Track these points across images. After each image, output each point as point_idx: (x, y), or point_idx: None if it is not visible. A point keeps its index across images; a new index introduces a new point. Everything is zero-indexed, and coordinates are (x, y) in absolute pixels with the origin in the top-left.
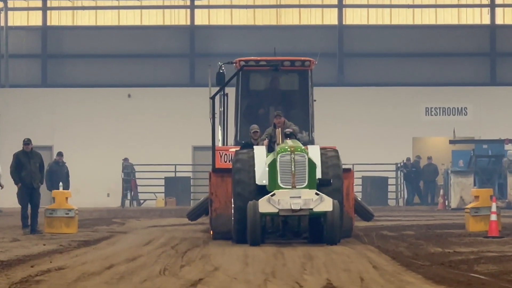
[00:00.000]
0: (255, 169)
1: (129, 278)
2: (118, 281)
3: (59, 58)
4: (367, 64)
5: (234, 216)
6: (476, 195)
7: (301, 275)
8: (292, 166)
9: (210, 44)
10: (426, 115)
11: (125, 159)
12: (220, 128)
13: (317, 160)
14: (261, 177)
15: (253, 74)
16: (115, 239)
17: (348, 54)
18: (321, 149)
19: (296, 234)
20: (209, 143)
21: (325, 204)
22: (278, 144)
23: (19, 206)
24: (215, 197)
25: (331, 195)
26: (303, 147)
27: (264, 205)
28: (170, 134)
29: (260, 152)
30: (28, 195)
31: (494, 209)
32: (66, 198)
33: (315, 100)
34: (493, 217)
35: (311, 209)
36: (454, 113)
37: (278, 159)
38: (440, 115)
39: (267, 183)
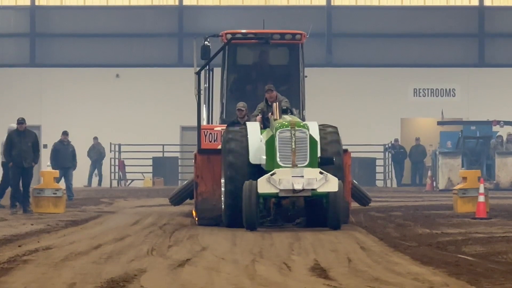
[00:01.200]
0: (249, 147)
1: (116, 258)
2: (106, 260)
3: (47, 38)
4: (355, 45)
5: (225, 197)
6: (464, 176)
7: (289, 256)
8: (293, 143)
9: (199, 24)
10: (414, 96)
11: (95, 138)
12: (204, 106)
13: (316, 137)
14: (256, 155)
15: (240, 48)
16: (103, 219)
17: (336, 35)
18: (319, 125)
19: (288, 219)
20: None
21: (330, 184)
22: (275, 120)
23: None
24: (200, 180)
25: (332, 174)
26: (303, 122)
27: (263, 185)
28: (158, 114)
29: (253, 129)
30: (20, 175)
31: (482, 190)
32: (54, 178)
33: (306, 76)
34: (481, 199)
35: (314, 189)
36: (442, 94)
37: (277, 136)
38: (428, 96)
39: (263, 162)
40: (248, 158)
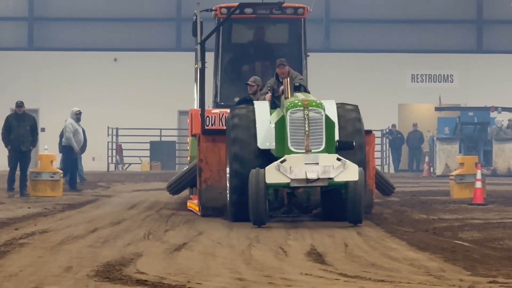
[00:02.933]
0: (257, 130)
1: (113, 242)
2: (102, 244)
3: (45, 21)
4: (354, 30)
5: (230, 192)
6: (461, 162)
7: (285, 241)
8: (306, 125)
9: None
10: (412, 82)
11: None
12: (196, 87)
13: (334, 118)
14: (265, 139)
15: (236, 25)
16: (100, 202)
17: (334, 20)
18: (337, 103)
19: (304, 210)
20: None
21: (349, 172)
22: (286, 98)
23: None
24: (205, 165)
25: (352, 160)
26: (318, 101)
27: (272, 174)
28: (155, 98)
29: (262, 109)
30: (18, 158)
31: (479, 176)
32: (51, 161)
33: (308, 56)
34: (478, 185)
35: (331, 178)
36: (440, 80)
37: (287, 116)
38: (426, 82)
39: (272, 147)
40: (256, 144)
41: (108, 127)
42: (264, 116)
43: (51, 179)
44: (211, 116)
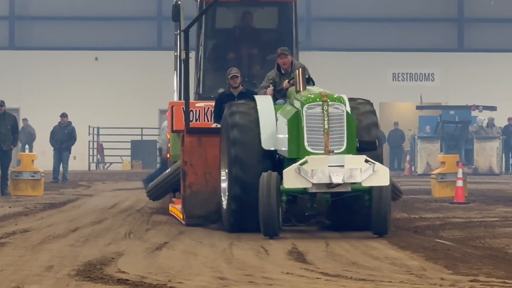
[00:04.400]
0: (261, 129)
1: (94, 241)
2: (83, 243)
3: (26, 20)
4: (335, 29)
5: (230, 200)
6: (442, 161)
7: (267, 240)
8: (325, 122)
9: None
10: (393, 80)
11: (24, 120)
12: (175, 78)
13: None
14: (269, 138)
15: (220, 8)
16: (81, 202)
17: (315, 18)
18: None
19: (302, 219)
20: None
21: (379, 176)
22: (298, 92)
23: None
24: (189, 168)
25: (368, 155)
26: (339, 95)
27: (291, 178)
28: (137, 97)
29: (265, 104)
30: None
31: (460, 175)
32: (32, 160)
33: (299, 42)
34: (459, 183)
35: (354, 183)
36: (421, 79)
37: (304, 112)
38: (407, 80)
39: (279, 147)
40: (259, 146)
41: (89, 126)
42: (268, 112)
43: (32, 178)
44: (195, 110)
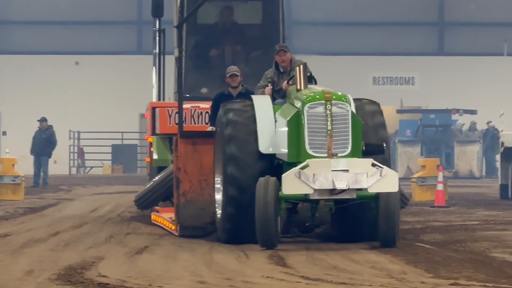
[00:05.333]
0: (258, 131)
1: (74, 245)
2: (64, 248)
3: (6, 25)
4: (315, 33)
5: (225, 205)
6: (422, 165)
7: (248, 244)
8: (328, 123)
9: None
10: (373, 84)
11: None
12: (154, 76)
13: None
14: (268, 141)
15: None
16: (61, 206)
17: (295, 23)
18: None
19: (305, 229)
20: None
21: (388, 181)
22: (299, 90)
23: None
24: (183, 175)
25: (375, 159)
26: (344, 94)
27: (291, 184)
28: (117, 101)
29: (263, 104)
30: None
31: (440, 178)
32: (13, 165)
33: (287, 38)
34: (440, 187)
35: (361, 189)
36: (401, 83)
37: (305, 112)
38: (387, 84)
39: (278, 151)
40: (256, 145)
41: (69, 130)
42: (266, 113)
43: (12, 182)
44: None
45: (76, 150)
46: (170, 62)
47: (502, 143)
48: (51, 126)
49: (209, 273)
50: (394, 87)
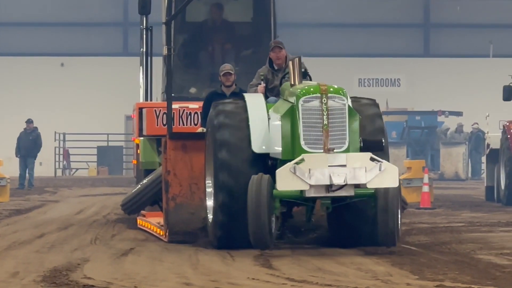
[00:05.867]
0: (251, 130)
1: (60, 247)
2: (49, 250)
3: None
4: (300, 34)
5: (216, 210)
6: (408, 166)
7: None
8: (324, 118)
9: None
10: (359, 86)
11: None
12: (142, 76)
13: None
14: (261, 140)
15: None
16: (47, 208)
17: (281, 25)
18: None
19: (300, 234)
20: None
21: (388, 176)
22: (293, 85)
23: None
24: (173, 178)
25: None
26: (340, 88)
27: (285, 180)
28: (103, 103)
29: (256, 103)
30: None
31: (426, 180)
32: None
33: (278, 36)
34: (425, 189)
35: (359, 185)
36: (387, 84)
37: (299, 106)
38: (373, 86)
39: (272, 151)
40: (249, 149)
41: (55, 132)
42: (259, 112)
43: None
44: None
45: (61, 151)
46: (157, 63)
47: (488, 145)
48: (36, 127)
49: (194, 274)
50: (379, 88)
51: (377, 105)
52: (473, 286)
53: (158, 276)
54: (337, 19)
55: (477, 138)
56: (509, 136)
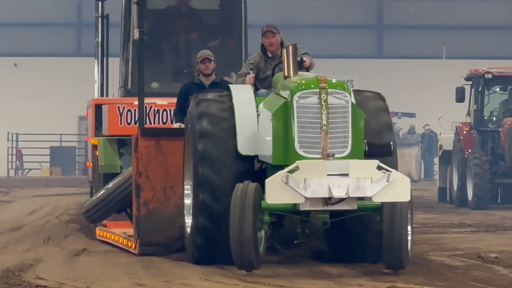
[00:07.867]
0: (237, 127)
1: (12, 248)
2: (2, 250)
3: None
4: (249, 37)
5: (195, 228)
6: None
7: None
8: (323, 117)
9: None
10: None
11: None
12: (97, 69)
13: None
14: (248, 141)
15: None
16: None
17: None
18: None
19: (290, 246)
20: None
21: (398, 189)
22: (287, 77)
23: None
24: (145, 181)
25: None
26: (343, 81)
27: (276, 191)
28: (55, 103)
29: (243, 96)
30: None
31: None
32: None
33: (248, 26)
34: None
35: (363, 198)
36: None
37: (294, 103)
38: None
39: (264, 153)
40: (234, 142)
41: (8, 132)
42: (247, 106)
43: None
44: (133, 110)
45: (14, 152)
46: (113, 63)
47: (441, 146)
48: None
49: (147, 275)
50: None
51: (383, 99)
52: (425, 287)
53: (111, 277)
54: (288, 20)
55: (429, 139)
56: (461, 137)
